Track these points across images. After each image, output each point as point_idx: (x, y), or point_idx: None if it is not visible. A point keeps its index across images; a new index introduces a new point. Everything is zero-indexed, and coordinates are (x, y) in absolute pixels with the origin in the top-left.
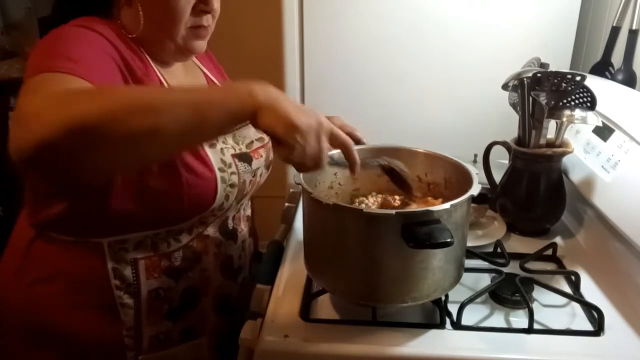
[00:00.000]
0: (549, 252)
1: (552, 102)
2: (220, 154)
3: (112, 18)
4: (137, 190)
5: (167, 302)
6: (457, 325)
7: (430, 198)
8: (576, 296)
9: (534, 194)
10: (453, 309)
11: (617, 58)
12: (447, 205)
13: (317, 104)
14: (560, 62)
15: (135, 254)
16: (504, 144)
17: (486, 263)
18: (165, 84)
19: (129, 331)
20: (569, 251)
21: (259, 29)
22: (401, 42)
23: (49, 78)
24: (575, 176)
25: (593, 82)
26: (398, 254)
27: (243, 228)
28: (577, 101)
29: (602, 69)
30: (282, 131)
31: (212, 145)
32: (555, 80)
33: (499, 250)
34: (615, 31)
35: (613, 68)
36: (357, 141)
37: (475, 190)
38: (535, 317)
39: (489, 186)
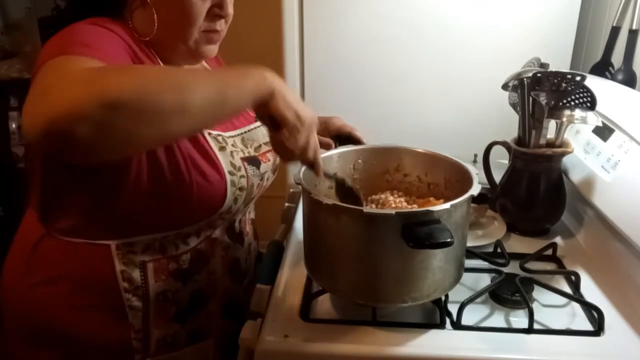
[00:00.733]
0: (549, 252)
1: (552, 102)
2: (230, 157)
3: (124, 20)
4: (146, 192)
5: (175, 305)
6: (457, 325)
7: (432, 198)
8: (576, 296)
9: (534, 194)
10: (453, 309)
11: (617, 58)
12: (447, 205)
13: (317, 104)
14: (560, 62)
15: (143, 256)
16: (504, 144)
17: (486, 263)
18: None
19: (137, 334)
20: (569, 251)
21: (259, 29)
22: (401, 42)
23: (70, 59)
24: (575, 176)
25: (593, 82)
26: (398, 254)
27: (248, 231)
28: (577, 101)
29: (602, 69)
30: (292, 118)
31: (222, 149)
32: (555, 80)
33: (499, 250)
34: (615, 31)
35: (613, 68)
36: (357, 141)
37: (475, 190)
38: (535, 317)
39: (489, 186)
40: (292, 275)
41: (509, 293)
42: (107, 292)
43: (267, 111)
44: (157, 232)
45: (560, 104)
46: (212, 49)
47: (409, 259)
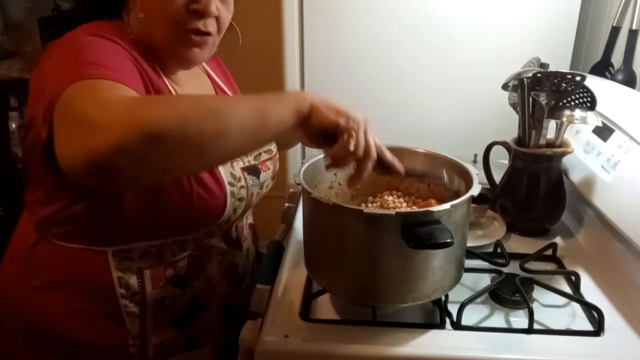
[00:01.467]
0: (549, 252)
1: (552, 102)
2: (230, 167)
3: (122, 22)
4: (146, 200)
5: (173, 311)
6: (457, 326)
7: (433, 200)
8: (576, 296)
9: (534, 194)
10: (453, 309)
11: (617, 58)
12: (447, 206)
13: None
14: (560, 62)
15: (140, 263)
16: (504, 144)
17: (486, 263)
18: (173, 92)
19: (135, 340)
20: (569, 251)
21: (259, 29)
22: (401, 42)
23: (97, 85)
24: (575, 176)
25: (593, 82)
26: (398, 254)
27: (246, 236)
28: (577, 101)
29: (602, 69)
30: (344, 121)
31: None
32: (555, 80)
33: (499, 250)
34: (615, 31)
35: (613, 68)
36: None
37: (475, 190)
38: (535, 317)
39: (489, 186)
40: (292, 275)
41: (509, 293)
42: (104, 298)
43: (313, 126)
44: (155, 240)
45: (560, 104)
46: (196, 53)
47: (409, 259)
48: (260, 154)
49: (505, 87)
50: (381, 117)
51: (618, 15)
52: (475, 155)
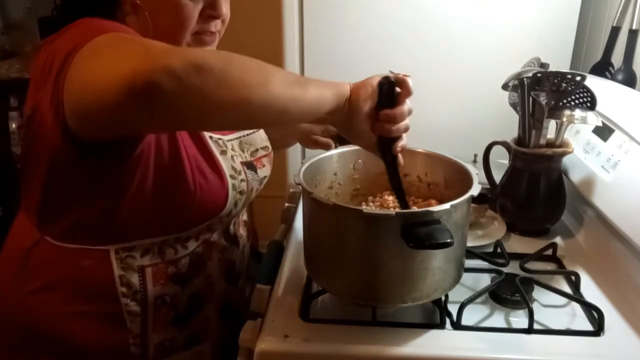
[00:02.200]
0: (549, 252)
1: (552, 102)
2: (231, 161)
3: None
4: (150, 194)
5: (173, 309)
6: (457, 326)
7: (433, 200)
8: (576, 296)
9: (534, 194)
10: (453, 309)
11: (617, 58)
12: (447, 206)
13: None
14: (560, 62)
15: (142, 261)
16: (504, 144)
17: (486, 263)
18: None
19: (136, 339)
20: (569, 251)
21: (259, 29)
22: (401, 42)
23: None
24: (575, 176)
25: (593, 82)
26: (398, 254)
27: (242, 233)
28: (577, 101)
29: (602, 69)
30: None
31: (223, 152)
32: (555, 80)
33: (499, 250)
34: (615, 31)
35: (613, 68)
36: None
37: (475, 190)
38: (535, 317)
39: (489, 186)
40: (292, 275)
41: (509, 293)
42: (105, 298)
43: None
44: (157, 236)
45: (560, 104)
46: None
47: (409, 259)
48: (257, 150)
49: (505, 87)
50: None
51: (618, 15)
52: (475, 155)
